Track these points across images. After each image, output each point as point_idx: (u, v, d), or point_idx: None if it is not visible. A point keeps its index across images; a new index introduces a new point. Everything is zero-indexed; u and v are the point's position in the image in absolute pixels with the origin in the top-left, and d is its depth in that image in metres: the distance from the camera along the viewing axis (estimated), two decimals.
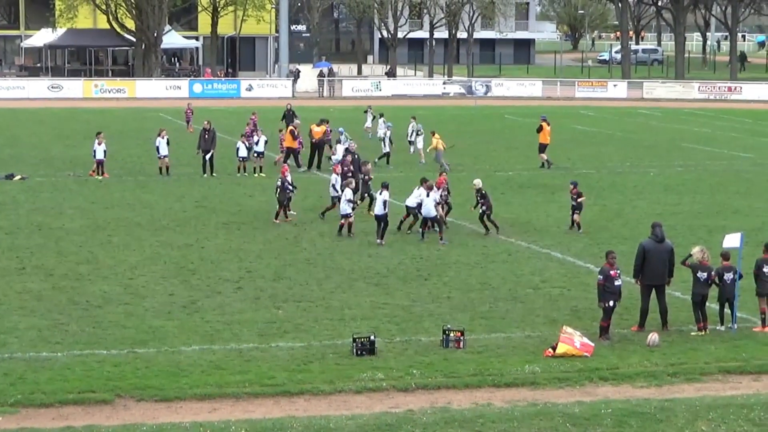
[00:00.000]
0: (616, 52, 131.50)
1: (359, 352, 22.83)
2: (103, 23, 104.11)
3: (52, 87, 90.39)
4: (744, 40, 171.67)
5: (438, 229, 34.53)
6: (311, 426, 18.95)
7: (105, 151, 47.10)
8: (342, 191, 35.62)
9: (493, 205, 35.89)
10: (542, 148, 51.48)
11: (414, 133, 53.84)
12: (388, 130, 52.32)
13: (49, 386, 20.71)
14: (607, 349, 23.66)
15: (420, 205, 34.75)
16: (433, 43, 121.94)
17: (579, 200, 36.05)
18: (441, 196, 35.32)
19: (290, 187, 37.45)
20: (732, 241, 25.66)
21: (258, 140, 48.19)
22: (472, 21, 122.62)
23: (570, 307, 26.96)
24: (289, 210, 37.74)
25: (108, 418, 19.52)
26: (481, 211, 35.58)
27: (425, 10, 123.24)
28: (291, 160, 48.19)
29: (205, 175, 47.31)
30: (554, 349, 23.15)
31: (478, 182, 36.12)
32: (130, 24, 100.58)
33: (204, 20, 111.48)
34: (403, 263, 31.53)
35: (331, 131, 50.51)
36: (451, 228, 36.04)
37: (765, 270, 25.25)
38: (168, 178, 46.97)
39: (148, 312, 26.05)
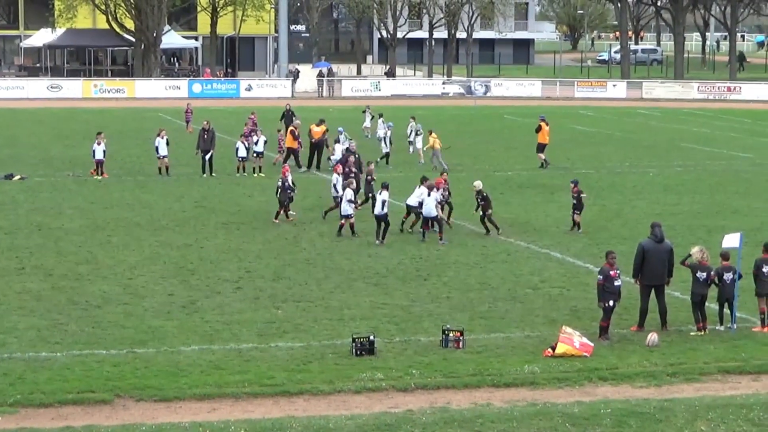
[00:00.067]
0: (616, 52, 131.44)
1: (358, 352, 22.82)
2: (102, 23, 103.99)
3: (52, 87, 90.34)
4: (743, 40, 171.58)
5: (438, 229, 34.52)
6: (310, 426, 18.95)
7: (104, 151, 47.08)
8: (343, 191, 35.61)
9: (492, 206, 35.82)
10: (540, 147, 51.49)
11: (413, 133, 53.83)
12: (388, 130, 52.31)
13: (48, 386, 20.71)
14: (606, 349, 23.65)
15: (421, 204, 34.74)
16: (433, 43, 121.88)
17: (581, 196, 35.86)
18: (442, 196, 35.31)
19: (291, 188, 37.46)
20: (731, 241, 25.65)
21: (257, 140, 48.17)
22: (472, 21, 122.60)
23: (569, 307, 26.96)
24: (290, 210, 37.75)
25: (107, 418, 19.52)
26: (481, 213, 35.56)
27: (424, 10, 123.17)
28: (291, 160, 48.20)
29: (205, 175, 47.30)
30: (553, 349, 23.15)
31: (478, 184, 35.97)
32: (130, 24, 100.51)
33: (203, 20, 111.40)
34: (402, 263, 31.53)
35: (327, 131, 50.48)
36: (451, 228, 36.03)
37: (764, 270, 25.25)
38: (167, 178, 46.96)
39: (147, 312, 26.04)
